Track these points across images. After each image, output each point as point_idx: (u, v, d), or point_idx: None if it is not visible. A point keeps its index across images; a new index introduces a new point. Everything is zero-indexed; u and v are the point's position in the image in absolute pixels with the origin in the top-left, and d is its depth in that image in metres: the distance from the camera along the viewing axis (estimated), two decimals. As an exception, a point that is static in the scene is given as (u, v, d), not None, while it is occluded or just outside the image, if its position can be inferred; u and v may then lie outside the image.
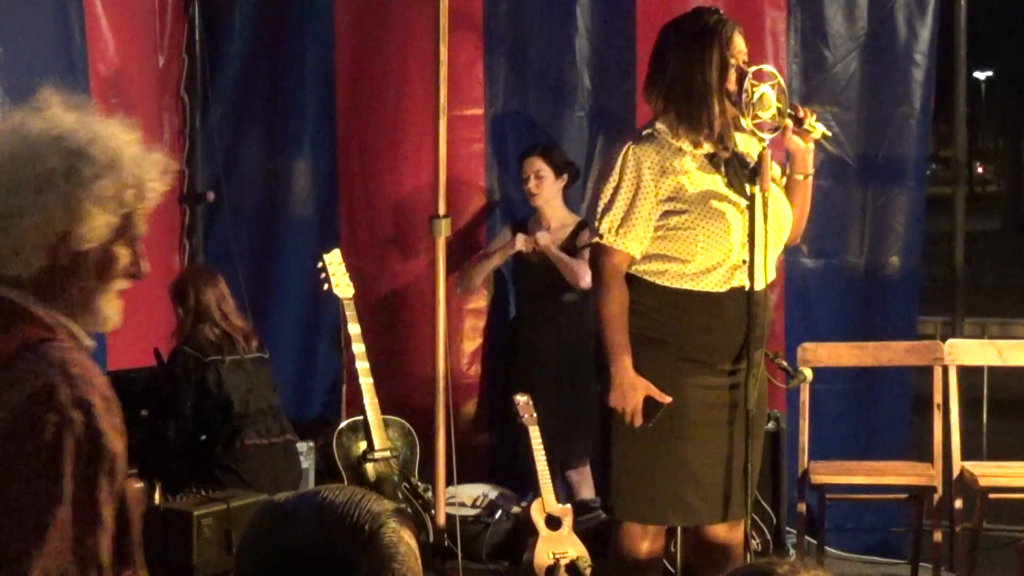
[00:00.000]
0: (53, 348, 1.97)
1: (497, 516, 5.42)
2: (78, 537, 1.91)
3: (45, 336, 1.99)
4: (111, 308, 2.09)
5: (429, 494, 4.92)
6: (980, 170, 38.48)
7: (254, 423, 5.13)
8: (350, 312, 5.45)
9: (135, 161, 2.03)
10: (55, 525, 1.89)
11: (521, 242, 5.64)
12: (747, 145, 3.87)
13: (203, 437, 5.10)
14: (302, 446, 5.41)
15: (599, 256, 3.84)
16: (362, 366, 5.36)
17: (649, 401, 3.76)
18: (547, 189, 5.62)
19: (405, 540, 1.57)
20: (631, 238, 3.77)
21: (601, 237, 3.81)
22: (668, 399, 3.76)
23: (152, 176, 2.06)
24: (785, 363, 4.15)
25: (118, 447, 1.96)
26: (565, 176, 5.65)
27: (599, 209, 3.82)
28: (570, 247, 5.59)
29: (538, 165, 5.61)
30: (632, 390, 3.75)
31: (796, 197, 3.94)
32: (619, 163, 3.79)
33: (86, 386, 1.94)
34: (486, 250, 5.86)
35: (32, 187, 1.97)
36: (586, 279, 5.39)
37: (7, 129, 2.03)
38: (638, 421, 3.76)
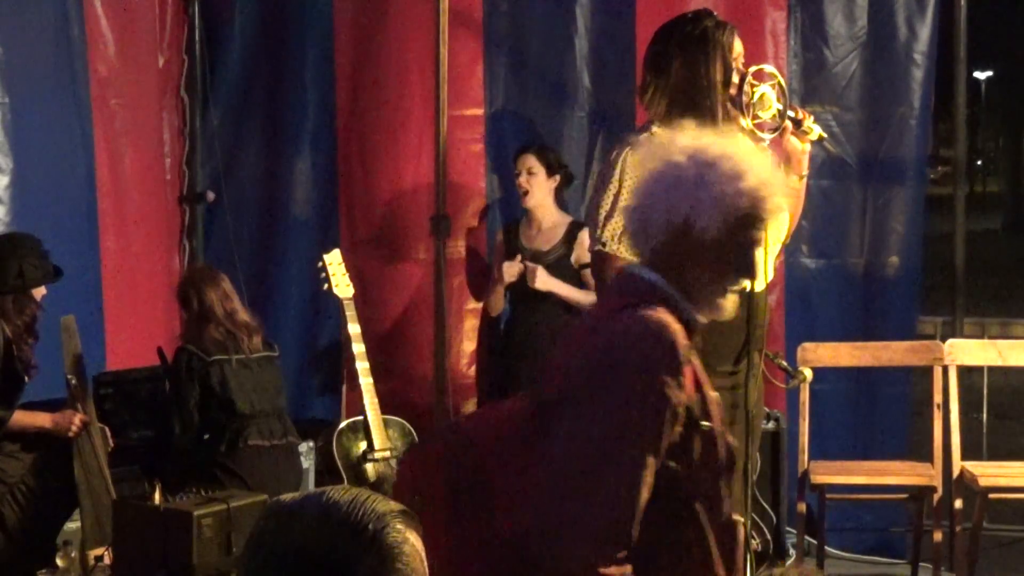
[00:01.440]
0: (635, 310, 2.46)
1: (497, 516, 5.40)
2: (633, 458, 2.38)
3: (644, 302, 2.48)
4: (725, 301, 2.60)
5: (429, 494, 4.91)
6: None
7: (258, 424, 5.11)
8: (350, 312, 5.45)
9: (758, 179, 2.51)
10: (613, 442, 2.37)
11: (509, 275, 5.58)
12: (741, 146, 3.86)
13: (206, 436, 5.10)
14: (302, 446, 5.40)
15: (603, 264, 3.80)
16: (362, 366, 5.36)
17: None
18: (538, 187, 5.59)
19: (410, 541, 1.57)
20: (634, 244, 3.75)
21: (604, 245, 3.78)
22: None
23: (773, 192, 2.53)
24: (785, 363, 4.15)
25: (675, 396, 2.41)
26: (558, 176, 5.63)
27: (600, 217, 3.78)
28: (563, 248, 5.58)
29: (531, 162, 5.60)
30: None
31: (790, 199, 3.92)
32: (617, 169, 3.76)
33: (650, 341, 2.42)
34: (493, 276, 5.79)
35: (668, 184, 2.53)
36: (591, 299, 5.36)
37: (666, 140, 2.65)
38: None
